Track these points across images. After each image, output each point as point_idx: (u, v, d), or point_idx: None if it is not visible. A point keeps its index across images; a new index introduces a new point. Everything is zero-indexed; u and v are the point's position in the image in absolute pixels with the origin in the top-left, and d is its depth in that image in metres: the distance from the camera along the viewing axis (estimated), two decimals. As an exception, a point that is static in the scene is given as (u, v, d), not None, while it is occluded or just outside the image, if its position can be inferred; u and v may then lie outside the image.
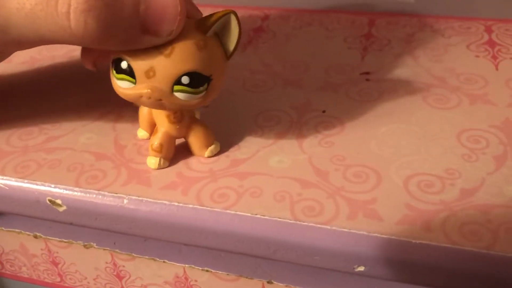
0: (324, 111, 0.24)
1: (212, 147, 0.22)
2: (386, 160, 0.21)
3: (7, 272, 0.30)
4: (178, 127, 0.21)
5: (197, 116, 0.24)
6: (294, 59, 0.29)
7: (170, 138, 0.21)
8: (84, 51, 0.24)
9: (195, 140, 0.22)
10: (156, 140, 0.21)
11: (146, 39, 0.18)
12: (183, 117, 0.21)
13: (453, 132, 0.22)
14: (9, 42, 0.21)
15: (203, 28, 0.19)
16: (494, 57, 0.28)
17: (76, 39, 0.19)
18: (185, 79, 0.18)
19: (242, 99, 0.26)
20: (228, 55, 0.20)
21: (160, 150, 0.21)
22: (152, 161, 0.21)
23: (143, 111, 0.23)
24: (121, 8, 0.18)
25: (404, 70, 0.27)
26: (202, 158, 0.22)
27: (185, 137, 0.22)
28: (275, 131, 0.23)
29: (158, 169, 0.21)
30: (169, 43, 0.18)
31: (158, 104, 0.19)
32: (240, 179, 0.21)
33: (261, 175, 0.21)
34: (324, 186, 0.20)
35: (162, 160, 0.21)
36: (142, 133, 0.23)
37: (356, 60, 0.28)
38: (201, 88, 0.19)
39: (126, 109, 0.25)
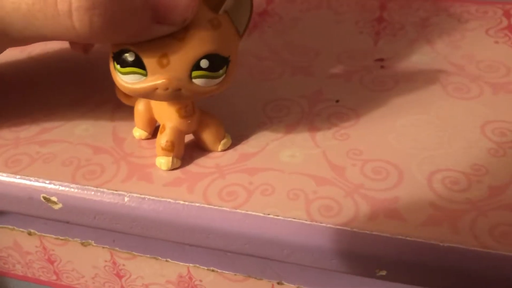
0: (337, 101, 0.23)
1: (224, 140, 0.20)
2: (406, 154, 0.20)
3: (1, 269, 0.28)
4: (189, 121, 0.19)
5: None
6: (303, 44, 0.27)
7: (180, 134, 0.20)
8: None
9: (207, 134, 0.20)
10: (166, 138, 0.19)
11: (158, 29, 0.16)
12: (194, 111, 0.19)
13: (476, 124, 0.21)
14: (6, 42, 0.19)
15: (213, 6, 0.17)
16: (515, 43, 0.26)
17: (82, 38, 0.17)
18: (204, 63, 0.17)
19: (248, 87, 0.24)
20: (240, 34, 0.18)
21: (171, 148, 0.19)
22: (163, 161, 0.20)
23: (139, 108, 0.21)
24: (128, 1, 0.16)
25: (420, 57, 0.25)
26: (208, 152, 0.21)
27: (196, 131, 0.20)
28: (285, 123, 0.22)
29: (171, 169, 0.20)
30: None
31: (175, 95, 0.17)
32: (249, 175, 0.19)
33: (272, 170, 0.20)
34: (341, 184, 0.19)
35: (174, 159, 0.20)
36: (139, 132, 0.21)
37: (369, 45, 0.27)
38: (221, 72, 0.17)
39: (125, 99, 0.24)
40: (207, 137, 0.20)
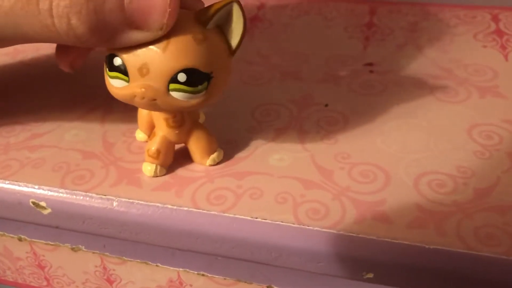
0: (326, 105, 0.23)
1: (214, 155, 0.20)
2: (393, 157, 0.20)
3: (-9, 275, 0.28)
4: (177, 132, 0.19)
5: (202, 119, 0.22)
6: (293, 49, 0.27)
7: (168, 144, 0.20)
8: (60, 51, 0.22)
9: (196, 147, 0.20)
10: (153, 145, 0.19)
11: (134, 35, 0.17)
12: (183, 122, 0.19)
13: (463, 127, 0.21)
14: None
15: (203, 20, 0.17)
16: (503, 47, 0.26)
17: (60, 37, 0.17)
18: (181, 77, 0.16)
19: (238, 92, 0.24)
20: (232, 50, 0.18)
21: (157, 156, 0.19)
22: (148, 168, 0.20)
23: (142, 111, 0.21)
24: (103, 2, 0.16)
25: (408, 61, 0.26)
26: (197, 157, 0.21)
27: (185, 142, 0.20)
28: (275, 127, 0.22)
29: (154, 177, 0.20)
30: (164, 37, 0.17)
31: (153, 105, 0.17)
32: (238, 179, 0.19)
33: (260, 174, 0.20)
34: (329, 187, 0.19)
35: (158, 167, 0.20)
36: (140, 135, 0.22)
37: (358, 50, 0.27)
38: (200, 87, 0.17)
39: (114, 104, 0.24)
40: (197, 149, 0.20)
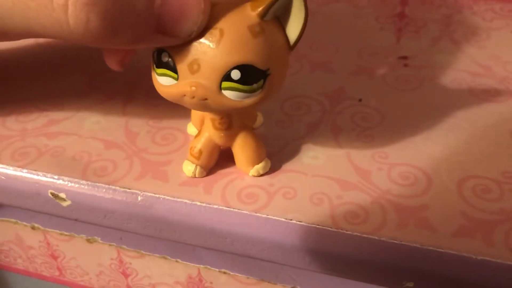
0: (360, 100, 0.22)
1: (259, 165, 0.18)
2: (434, 159, 0.19)
3: (1, 263, 0.27)
4: (222, 135, 0.18)
5: (259, 121, 0.20)
6: (322, 39, 0.26)
7: (212, 145, 0.18)
8: (109, 49, 0.20)
9: (241, 153, 0.18)
10: (197, 145, 0.18)
11: (159, 39, 0.15)
12: (231, 125, 0.18)
13: (506, 129, 0.20)
14: None
15: (260, 11, 0.15)
16: (543, 45, 0.25)
17: (74, 37, 0.15)
18: (235, 74, 0.15)
19: (265, 82, 0.23)
20: (291, 44, 0.16)
21: (198, 156, 0.18)
22: (188, 168, 0.18)
23: None
24: (132, 4, 0.15)
25: (444, 56, 0.24)
26: (226, 152, 0.20)
27: (231, 146, 0.18)
28: (306, 121, 0.21)
29: (194, 177, 0.18)
30: (218, 29, 0.15)
31: (203, 105, 0.16)
32: (270, 177, 0.18)
33: (293, 172, 0.19)
34: (367, 188, 0.18)
35: (198, 168, 0.18)
36: (192, 129, 0.20)
37: (391, 42, 0.26)
38: (255, 86, 0.15)
39: (136, 91, 0.23)
40: (241, 156, 0.18)
